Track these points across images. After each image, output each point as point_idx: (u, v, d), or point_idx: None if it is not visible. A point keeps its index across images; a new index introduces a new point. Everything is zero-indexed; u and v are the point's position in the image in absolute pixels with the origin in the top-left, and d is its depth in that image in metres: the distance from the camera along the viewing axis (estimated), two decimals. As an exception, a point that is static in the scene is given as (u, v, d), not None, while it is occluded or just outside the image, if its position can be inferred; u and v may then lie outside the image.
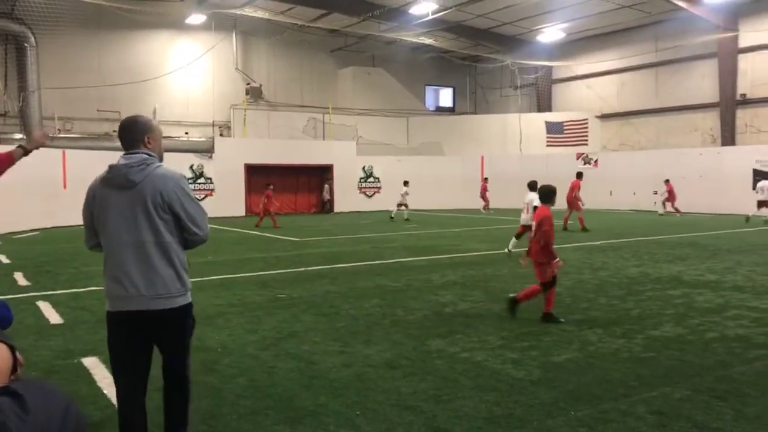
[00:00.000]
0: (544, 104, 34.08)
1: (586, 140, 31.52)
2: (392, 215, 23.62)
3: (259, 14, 25.47)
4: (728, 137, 26.29)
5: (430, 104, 36.98)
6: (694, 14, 25.19)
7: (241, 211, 26.74)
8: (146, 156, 3.30)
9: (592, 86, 32.21)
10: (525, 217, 12.16)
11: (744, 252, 12.86)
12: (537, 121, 32.65)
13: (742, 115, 26.26)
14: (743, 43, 25.93)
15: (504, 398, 4.59)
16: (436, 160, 31.69)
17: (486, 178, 28.60)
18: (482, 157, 31.33)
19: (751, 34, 25.64)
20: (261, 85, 30.13)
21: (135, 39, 27.72)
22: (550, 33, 30.72)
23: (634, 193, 27.27)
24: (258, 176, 27.58)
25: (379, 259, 12.44)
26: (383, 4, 26.22)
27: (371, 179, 30.18)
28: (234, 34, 29.71)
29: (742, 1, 24.98)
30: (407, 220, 22.67)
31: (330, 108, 31.15)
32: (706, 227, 18.88)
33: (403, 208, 23.24)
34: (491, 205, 27.53)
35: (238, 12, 25.39)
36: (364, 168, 29.94)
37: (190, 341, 3.53)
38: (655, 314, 7.25)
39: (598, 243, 14.86)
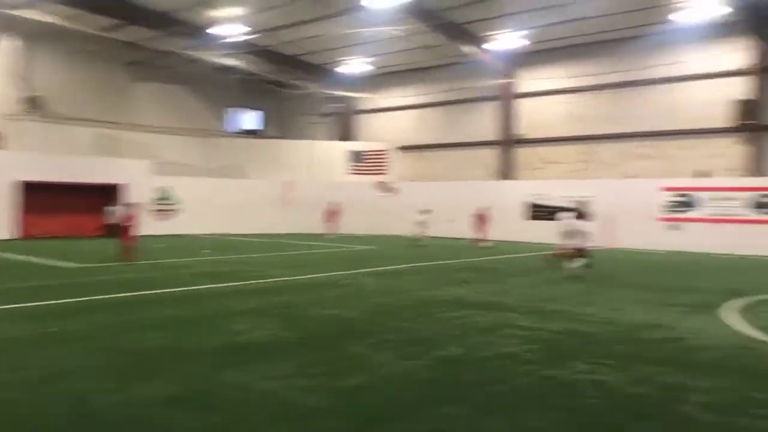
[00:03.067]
0: (348, 133, 35.18)
1: (386, 170, 33.06)
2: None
3: (42, 17, 23.14)
4: (508, 172, 29.22)
5: (234, 126, 36.28)
6: (481, 60, 27.80)
7: (8, 232, 23.76)
8: None
9: (393, 119, 33.99)
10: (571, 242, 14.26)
11: (519, 275, 14.25)
12: (341, 149, 33.57)
13: (520, 153, 29.38)
14: (521, 89, 29.14)
15: (295, 428, 4.53)
16: (239, 183, 31.08)
17: (330, 202, 28.51)
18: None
19: (527, 81, 28.93)
20: (42, 95, 27.35)
21: None
22: (356, 65, 31.90)
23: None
24: (35, 194, 24.78)
25: (172, 286, 11.76)
26: (186, 21, 25.32)
27: (167, 201, 28.65)
28: (11, 37, 26.70)
29: (519, 52, 28.12)
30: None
31: (123, 124, 29.17)
32: (489, 252, 20.64)
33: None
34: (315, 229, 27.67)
35: (16, 13, 22.89)
36: (159, 188, 28.33)
37: None
38: (441, 335, 7.69)
39: (395, 268, 15.51)
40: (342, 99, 33.89)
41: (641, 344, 7.40)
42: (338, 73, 32.78)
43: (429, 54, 29.69)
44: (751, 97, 22.67)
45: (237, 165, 32.35)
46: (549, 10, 23.20)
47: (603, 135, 26.70)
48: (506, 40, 26.79)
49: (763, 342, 7.62)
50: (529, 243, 25.13)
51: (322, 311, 9.32)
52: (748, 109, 22.69)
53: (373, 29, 24.68)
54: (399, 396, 5.31)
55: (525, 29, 25.64)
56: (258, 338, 7.42)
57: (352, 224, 30.00)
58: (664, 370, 6.19)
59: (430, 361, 6.44)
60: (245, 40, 26.69)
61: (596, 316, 9.16)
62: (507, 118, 29.15)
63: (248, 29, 25.76)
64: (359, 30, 24.85)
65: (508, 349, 7.00)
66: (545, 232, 25.52)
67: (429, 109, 32.51)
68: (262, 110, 37.13)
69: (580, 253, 14.08)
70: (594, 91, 27.03)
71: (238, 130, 36.23)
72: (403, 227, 28.44)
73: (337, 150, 33.48)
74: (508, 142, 29.20)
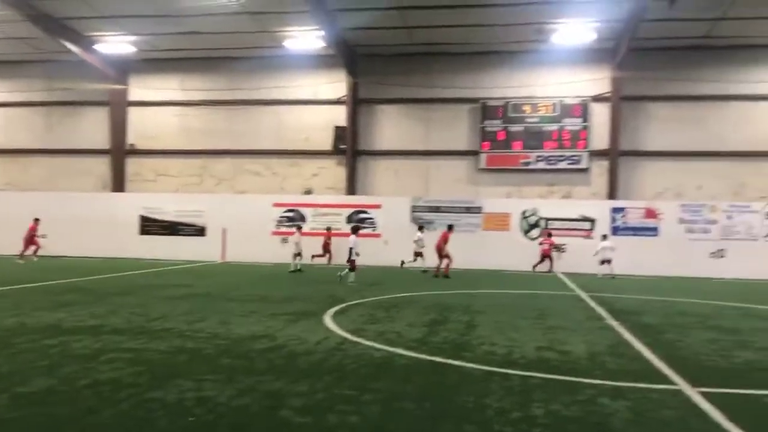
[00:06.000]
0: None
1: (-34, 176, 27.84)
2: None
3: None
4: (119, 184, 27.43)
5: None
6: (88, 62, 25.58)
7: None
8: None
9: (-25, 117, 28.86)
10: None
11: (128, 294, 13.38)
12: None
13: (131, 164, 27.87)
14: (132, 97, 27.70)
15: None
16: None
17: (37, 219, 23.24)
18: None
19: (139, 90, 27.65)
20: None
21: None
22: None
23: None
24: None
25: None
26: None
27: None
28: None
29: (132, 58, 26.77)
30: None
31: None
32: (92, 271, 18.96)
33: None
34: None
35: None
36: None
37: None
38: (26, 368, 6.65)
39: (-28, 293, 13.04)
40: None
41: (246, 355, 7.59)
42: None
43: (20, 46, 26.02)
44: (346, 124, 25.77)
45: None
46: (160, 19, 22.66)
47: (217, 150, 27.13)
48: (115, 43, 25.27)
49: (352, 342, 8.59)
50: (141, 259, 24.07)
51: None
52: (344, 134, 25.76)
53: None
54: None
55: (134, 35, 24.54)
56: None
57: None
58: (266, 379, 6.44)
59: (9, 400, 5.49)
60: None
61: (205, 331, 9.12)
62: (118, 126, 27.38)
63: None
64: None
65: (109, 375, 6.42)
66: (158, 247, 24.91)
67: (23, 108, 28.48)
68: None
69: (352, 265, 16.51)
70: (208, 106, 27.27)
71: None
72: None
73: None
74: (119, 151, 27.47)
